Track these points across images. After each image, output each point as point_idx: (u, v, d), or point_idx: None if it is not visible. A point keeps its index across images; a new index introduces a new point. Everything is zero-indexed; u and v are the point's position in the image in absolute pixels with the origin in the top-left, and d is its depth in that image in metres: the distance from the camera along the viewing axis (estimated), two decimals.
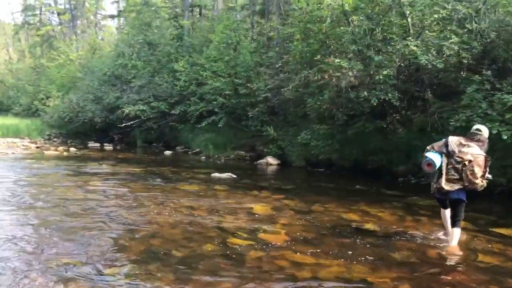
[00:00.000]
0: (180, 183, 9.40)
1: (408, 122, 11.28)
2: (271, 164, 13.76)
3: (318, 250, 4.91)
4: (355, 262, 4.54)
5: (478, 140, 4.92)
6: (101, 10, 44.57)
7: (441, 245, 5.23)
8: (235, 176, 10.56)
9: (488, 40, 9.28)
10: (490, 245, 5.25)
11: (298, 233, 5.58)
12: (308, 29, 11.93)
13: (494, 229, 5.94)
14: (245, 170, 12.18)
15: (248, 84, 15.35)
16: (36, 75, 36.70)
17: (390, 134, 11.31)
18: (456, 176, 4.82)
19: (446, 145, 4.93)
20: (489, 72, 8.43)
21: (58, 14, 43.07)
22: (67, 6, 42.44)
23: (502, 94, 8.04)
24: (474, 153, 4.76)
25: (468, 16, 8.94)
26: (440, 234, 5.58)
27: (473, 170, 4.71)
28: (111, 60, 24.50)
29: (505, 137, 7.60)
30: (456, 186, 4.85)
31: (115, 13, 39.54)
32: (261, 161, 14.03)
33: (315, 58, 11.00)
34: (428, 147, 5.09)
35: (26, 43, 48.76)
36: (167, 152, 17.38)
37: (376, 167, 11.36)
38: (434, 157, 4.88)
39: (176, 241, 5.09)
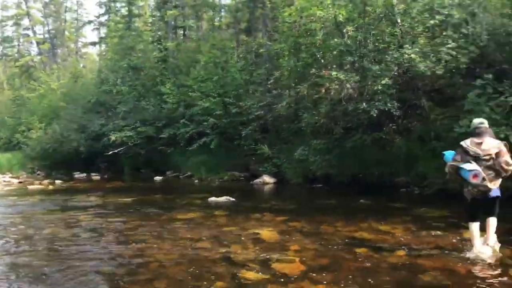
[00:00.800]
0: (176, 211, 8.86)
1: (406, 131, 11.03)
2: (267, 183, 13.36)
3: (339, 278, 4.46)
4: None
5: (487, 132, 4.94)
6: (82, 38, 44.25)
7: (468, 261, 4.82)
8: (233, 199, 10.08)
9: (483, 44, 9.11)
10: None
11: (313, 260, 5.12)
12: (298, 43, 11.69)
13: None
14: (242, 192, 11.73)
15: (239, 103, 15.06)
16: (16, 107, 35.77)
17: (388, 145, 11.05)
18: (493, 174, 4.77)
19: (466, 151, 4.84)
20: (490, 76, 8.18)
21: (37, 43, 42.57)
22: (46, 35, 42.01)
23: (506, 97, 7.79)
24: (495, 145, 4.80)
25: (463, 21, 8.76)
26: (466, 251, 5.17)
27: (506, 160, 4.72)
28: (94, 87, 24.14)
29: None
30: (497, 183, 4.84)
31: (97, 39, 39.27)
32: (257, 180, 13.63)
33: (310, 72, 10.72)
34: (453, 163, 4.93)
35: (4, 75, 47.88)
36: (157, 178, 16.84)
37: (376, 180, 11.05)
38: (472, 166, 4.73)
39: (182, 281, 4.56)
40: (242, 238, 6.26)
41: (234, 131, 15.51)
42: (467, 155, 4.81)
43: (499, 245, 5.08)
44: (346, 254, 5.30)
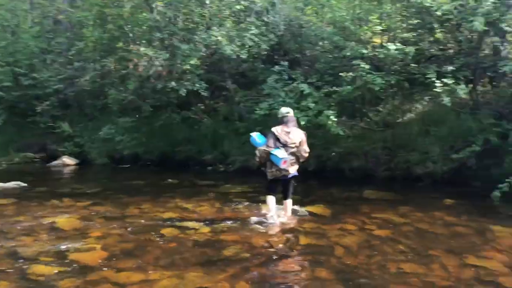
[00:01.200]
0: None
1: (213, 111, 11.45)
2: (68, 165, 12.22)
3: (143, 263, 4.35)
4: (187, 269, 4.16)
5: (292, 121, 5.63)
6: None
7: (265, 232, 5.30)
8: (24, 184, 8.87)
9: (280, 33, 10.03)
10: (305, 225, 5.55)
11: (116, 246, 4.88)
12: (104, 14, 10.84)
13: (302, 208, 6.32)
14: (37, 176, 10.43)
15: (34, 74, 13.24)
16: None
17: (196, 124, 11.31)
18: (294, 159, 5.55)
19: (277, 139, 5.45)
20: (286, 63, 9.07)
21: None
22: None
23: (297, 84, 8.74)
24: (299, 134, 5.56)
25: (265, 9, 9.43)
26: (257, 219, 5.72)
27: (304, 148, 5.58)
28: None
29: (303, 122, 8.25)
30: (296, 167, 5.62)
31: None
32: (56, 162, 12.35)
33: (117, 46, 10.05)
34: (264, 148, 5.46)
35: None
36: None
37: (185, 158, 11.21)
38: (282, 153, 5.37)
39: None
40: (34, 229, 5.55)
41: (28, 106, 13.61)
42: (277, 141, 5.43)
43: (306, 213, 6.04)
44: (151, 236, 5.21)
